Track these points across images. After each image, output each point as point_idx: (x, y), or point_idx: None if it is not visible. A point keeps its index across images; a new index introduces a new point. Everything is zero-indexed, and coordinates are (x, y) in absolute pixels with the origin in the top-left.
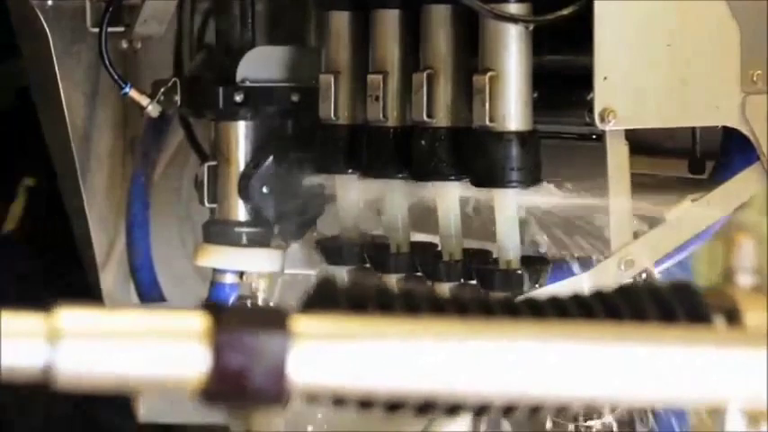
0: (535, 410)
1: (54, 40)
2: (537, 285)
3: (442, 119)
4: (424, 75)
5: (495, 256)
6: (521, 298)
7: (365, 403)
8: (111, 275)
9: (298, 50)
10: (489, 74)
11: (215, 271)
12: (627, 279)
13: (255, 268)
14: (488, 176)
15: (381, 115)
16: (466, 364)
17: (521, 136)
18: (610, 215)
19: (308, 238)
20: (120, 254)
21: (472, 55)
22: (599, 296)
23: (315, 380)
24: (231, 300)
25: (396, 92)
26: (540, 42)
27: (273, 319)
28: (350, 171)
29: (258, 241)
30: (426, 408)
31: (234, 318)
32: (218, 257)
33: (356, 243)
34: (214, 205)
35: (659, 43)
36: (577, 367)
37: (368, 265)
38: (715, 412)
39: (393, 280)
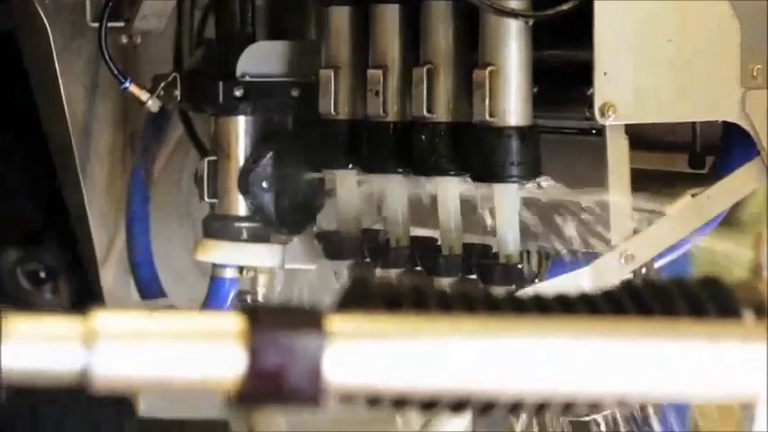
0: (567, 407)
1: (54, 35)
2: (537, 280)
3: (441, 114)
4: (424, 70)
5: (495, 250)
6: (551, 295)
7: (400, 402)
8: (112, 271)
9: (298, 45)
10: (489, 69)
11: (215, 266)
12: (627, 273)
13: (255, 263)
14: (488, 171)
15: (381, 110)
16: (499, 361)
17: (521, 131)
18: (610, 210)
19: (308, 233)
20: (121, 250)
21: (472, 50)
22: (629, 292)
23: (350, 379)
24: (231, 295)
25: (396, 87)
26: (540, 37)
27: (309, 319)
28: (350, 166)
29: (258, 236)
30: (460, 406)
31: (269, 318)
32: (217, 252)
33: (356, 237)
34: (214, 200)
35: (659, 38)
36: (609, 363)
37: (368, 260)
38: (745, 408)
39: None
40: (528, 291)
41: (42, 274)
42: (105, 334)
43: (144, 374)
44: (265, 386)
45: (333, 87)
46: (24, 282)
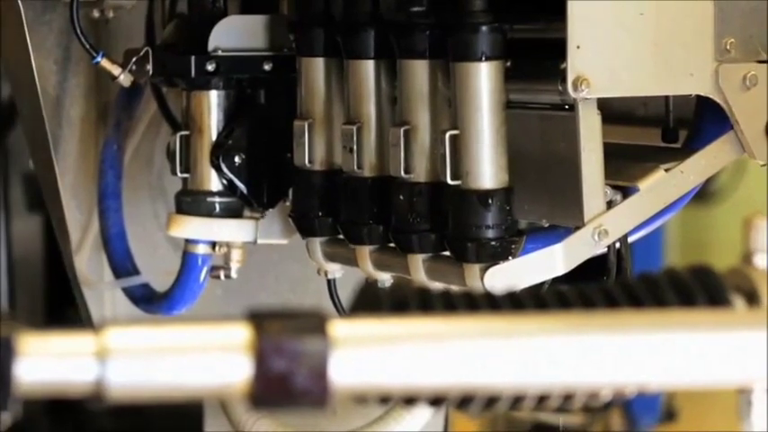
0: (566, 400)
1: (25, 9)
2: (510, 257)
3: (420, 174)
4: (401, 131)
5: None
6: (548, 291)
7: (409, 399)
8: (86, 251)
9: (269, 19)
10: (450, 132)
11: (187, 241)
12: (601, 249)
13: (228, 238)
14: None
15: (356, 166)
16: (502, 358)
17: (487, 194)
18: (582, 185)
19: (281, 208)
20: (95, 229)
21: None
22: (621, 285)
23: (355, 381)
24: (204, 271)
25: (371, 142)
26: (513, 10)
27: (312, 324)
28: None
29: (230, 211)
30: (465, 401)
31: (274, 325)
32: (190, 228)
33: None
34: (186, 175)
35: (633, 11)
36: (609, 356)
37: (341, 237)
38: (742, 392)
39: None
40: (526, 288)
41: None
42: (117, 349)
43: (156, 385)
44: (273, 391)
45: (306, 139)
46: None
